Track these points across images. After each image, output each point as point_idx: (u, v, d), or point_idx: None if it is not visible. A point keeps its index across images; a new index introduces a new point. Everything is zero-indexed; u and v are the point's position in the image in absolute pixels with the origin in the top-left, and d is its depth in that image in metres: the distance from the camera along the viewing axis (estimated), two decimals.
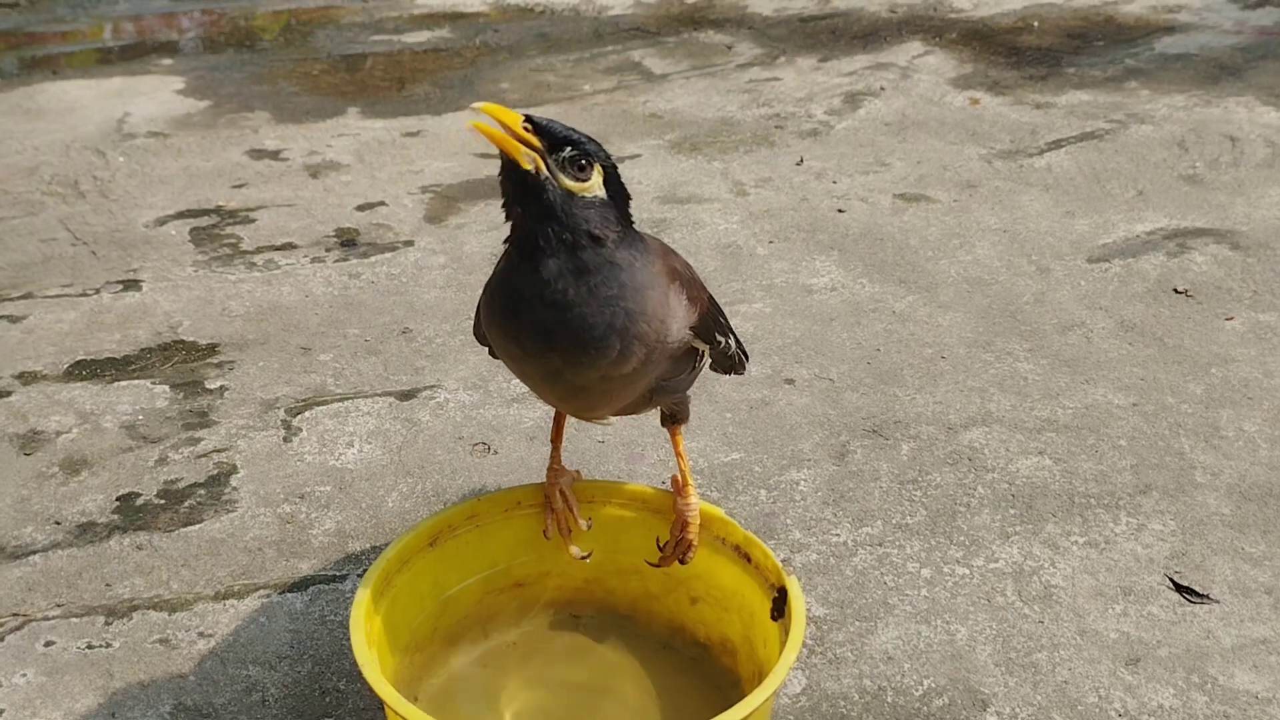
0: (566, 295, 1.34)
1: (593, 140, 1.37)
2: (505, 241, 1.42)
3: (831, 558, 2.02)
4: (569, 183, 1.34)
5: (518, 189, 1.34)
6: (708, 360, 1.62)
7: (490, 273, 1.52)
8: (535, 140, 1.32)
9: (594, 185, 1.35)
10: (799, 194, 3.51)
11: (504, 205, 1.39)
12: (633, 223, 1.43)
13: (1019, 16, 5.24)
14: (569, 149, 1.33)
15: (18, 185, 3.70)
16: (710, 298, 1.58)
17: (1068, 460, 2.26)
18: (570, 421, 2.13)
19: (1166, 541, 2.04)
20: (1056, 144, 3.79)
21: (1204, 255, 3.04)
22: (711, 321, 1.54)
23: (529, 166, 1.32)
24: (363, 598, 1.51)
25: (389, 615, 1.58)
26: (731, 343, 1.61)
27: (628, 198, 1.43)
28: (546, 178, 1.33)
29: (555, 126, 1.34)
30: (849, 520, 2.11)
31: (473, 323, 1.68)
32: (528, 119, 1.32)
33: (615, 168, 1.40)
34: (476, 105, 1.28)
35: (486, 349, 1.69)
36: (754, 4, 5.72)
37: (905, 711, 1.70)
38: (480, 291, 1.58)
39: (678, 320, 1.44)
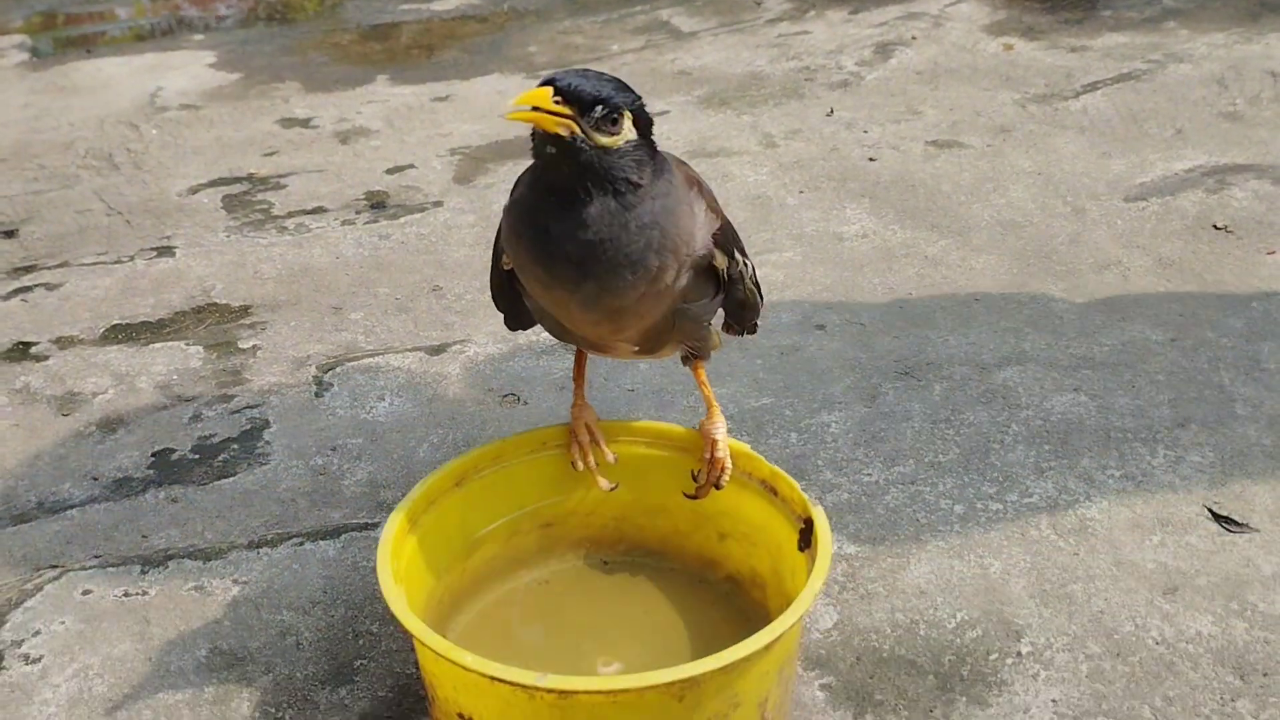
0: (601, 234, 1.37)
1: (619, 87, 1.38)
2: (530, 173, 1.43)
3: (863, 496, 2.00)
4: (603, 140, 1.37)
5: (555, 150, 1.37)
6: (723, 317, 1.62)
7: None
8: (566, 109, 1.34)
9: (626, 132, 1.39)
10: (829, 144, 3.48)
11: (535, 153, 1.40)
12: (656, 147, 1.44)
13: None
14: (600, 108, 1.36)
15: (54, 160, 3.74)
16: (727, 220, 1.57)
17: (1104, 396, 2.22)
18: (600, 370, 2.12)
19: (1205, 473, 2.00)
20: (1092, 86, 3.72)
21: (1244, 191, 2.97)
22: (731, 233, 1.54)
23: (565, 134, 1.35)
24: (389, 535, 1.52)
25: (416, 554, 1.59)
26: (750, 266, 1.60)
27: (651, 123, 1.44)
28: (582, 139, 1.35)
29: (583, 89, 1.35)
30: (880, 460, 2.09)
31: (491, 287, 1.69)
32: (555, 90, 1.34)
33: (642, 104, 1.41)
34: (510, 104, 1.34)
35: (503, 317, 1.71)
36: None
37: (938, 644, 1.69)
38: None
39: (702, 228, 1.47)
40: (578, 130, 1.35)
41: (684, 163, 1.55)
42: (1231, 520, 1.88)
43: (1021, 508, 1.95)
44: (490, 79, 4.32)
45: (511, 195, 1.52)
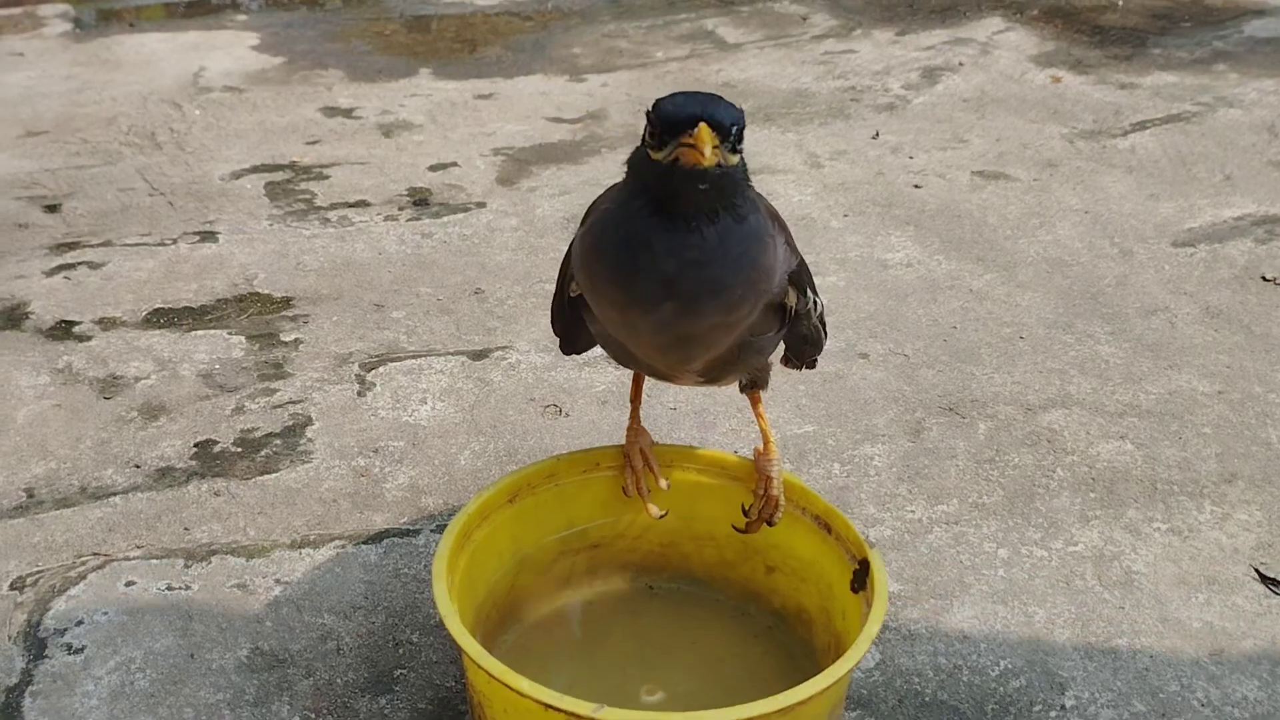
0: (704, 255, 1.34)
1: (727, 103, 1.34)
2: (626, 195, 1.40)
3: (906, 534, 2.00)
4: (733, 160, 1.33)
5: (701, 182, 1.31)
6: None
7: (561, 234, 1.52)
8: (715, 139, 1.30)
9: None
10: (874, 168, 3.47)
11: (674, 183, 1.34)
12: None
13: None
14: (734, 130, 1.32)
15: (97, 135, 3.74)
16: (803, 259, 1.56)
17: (1150, 446, 2.21)
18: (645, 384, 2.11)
19: (1252, 532, 1.99)
20: (1141, 125, 3.70)
21: None
22: (806, 272, 1.53)
23: (720, 162, 1.30)
24: (444, 550, 1.51)
25: (468, 569, 1.58)
26: (819, 305, 1.59)
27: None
28: (725, 166, 1.31)
29: (719, 116, 1.30)
30: (924, 497, 2.08)
31: (552, 311, 1.68)
32: (708, 124, 1.29)
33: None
34: (699, 154, 1.27)
35: (558, 341, 1.70)
36: None
37: (981, 691, 1.68)
38: (562, 259, 1.58)
39: (781, 265, 1.45)
40: (723, 157, 1.32)
41: (761, 195, 1.54)
42: (1279, 583, 1.87)
43: (1067, 556, 1.94)
44: (534, 79, 4.31)
45: (589, 218, 1.51)
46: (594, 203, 1.55)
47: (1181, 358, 2.49)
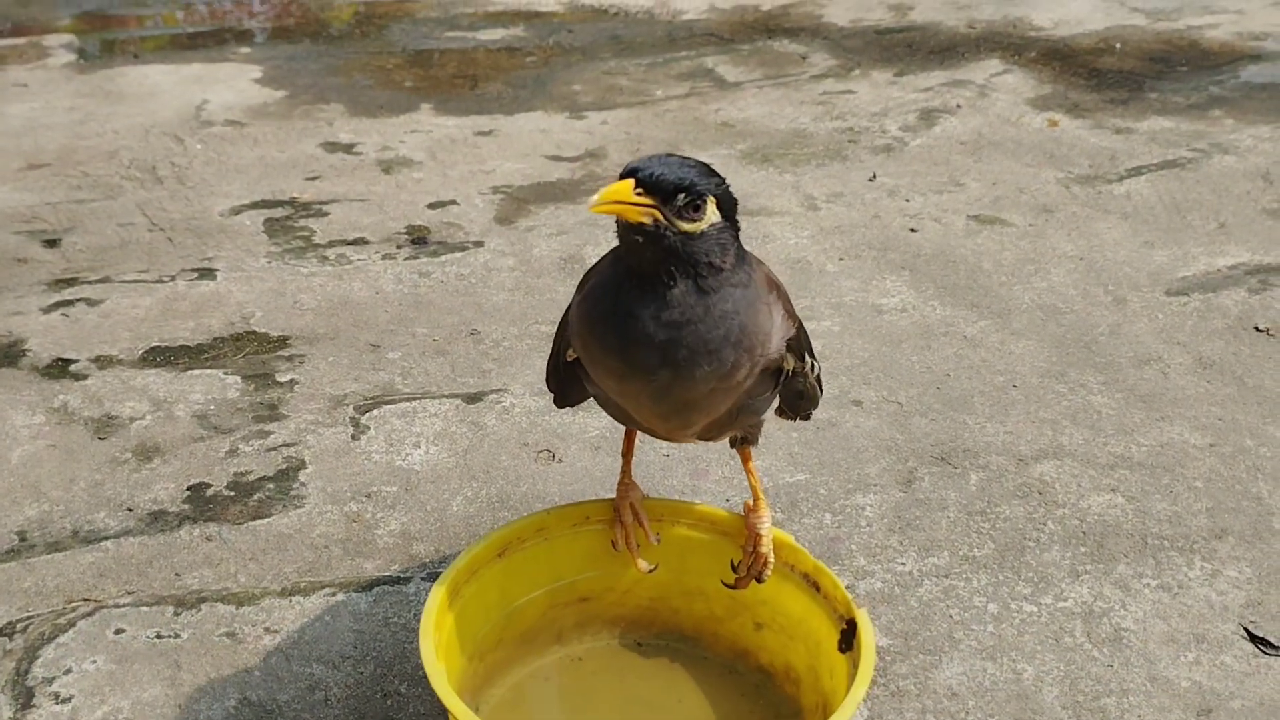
0: (685, 315, 1.37)
1: (703, 173, 1.38)
2: (610, 262, 1.42)
3: (896, 587, 2.00)
4: (686, 226, 1.36)
5: (641, 238, 1.36)
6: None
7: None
8: (648, 200, 1.34)
9: (709, 216, 1.38)
10: (871, 211, 3.48)
11: (620, 239, 1.40)
12: (739, 229, 1.44)
13: (1100, 37, 5.15)
14: (682, 196, 1.35)
15: (98, 168, 3.76)
16: (801, 324, 1.57)
17: (1141, 499, 2.22)
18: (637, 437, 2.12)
19: (1242, 589, 1.99)
20: (1136, 171, 3.72)
21: None
22: (804, 338, 1.54)
23: (648, 222, 1.35)
24: (432, 607, 1.51)
25: (456, 625, 1.59)
26: (816, 367, 1.60)
27: (735, 205, 1.44)
28: (665, 227, 1.35)
29: (665, 177, 1.35)
30: (915, 549, 2.09)
31: (547, 370, 1.69)
32: (637, 181, 1.34)
33: (726, 187, 1.41)
34: (593, 200, 1.33)
35: (552, 396, 1.71)
36: (829, 14, 5.67)
37: None
38: (563, 314, 1.59)
39: (778, 332, 1.47)
40: (661, 219, 1.35)
41: (763, 263, 1.55)
42: (1267, 642, 1.87)
43: (1056, 612, 1.94)
44: (534, 116, 4.34)
45: (584, 286, 1.52)
46: (591, 268, 1.57)
47: (1174, 409, 2.50)
